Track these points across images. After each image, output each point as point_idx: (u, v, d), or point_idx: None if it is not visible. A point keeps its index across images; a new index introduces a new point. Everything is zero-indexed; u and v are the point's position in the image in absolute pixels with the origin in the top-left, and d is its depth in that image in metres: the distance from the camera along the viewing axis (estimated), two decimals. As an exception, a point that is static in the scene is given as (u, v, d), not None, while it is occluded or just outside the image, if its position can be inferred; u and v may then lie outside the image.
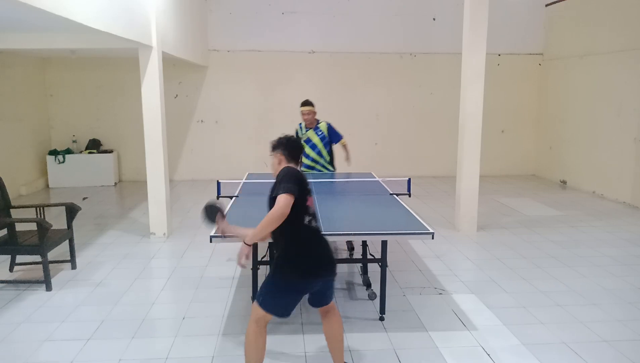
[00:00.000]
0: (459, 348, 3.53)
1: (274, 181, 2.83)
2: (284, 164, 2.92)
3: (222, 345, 3.54)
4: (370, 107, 10.17)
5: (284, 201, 2.62)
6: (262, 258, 4.39)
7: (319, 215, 2.76)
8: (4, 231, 4.63)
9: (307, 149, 5.88)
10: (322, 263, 2.79)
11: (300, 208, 2.75)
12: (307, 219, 2.77)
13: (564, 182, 9.49)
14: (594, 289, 4.55)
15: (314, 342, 3.55)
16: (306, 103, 5.90)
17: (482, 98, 6.18)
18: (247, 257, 2.79)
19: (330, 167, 6.00)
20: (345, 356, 3.40)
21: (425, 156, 10.38)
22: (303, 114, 5.88)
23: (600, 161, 8.52)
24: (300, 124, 6.00)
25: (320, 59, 9.93)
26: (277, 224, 2.65)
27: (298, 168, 2.94)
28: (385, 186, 5.34)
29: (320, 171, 5.94)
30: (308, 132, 5.89)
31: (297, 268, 2.74)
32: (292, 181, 2.70)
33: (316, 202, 4.43)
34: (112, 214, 7.41)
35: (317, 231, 2.87)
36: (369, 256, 4.78)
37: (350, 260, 5.25)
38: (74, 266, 5.05)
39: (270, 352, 3.34)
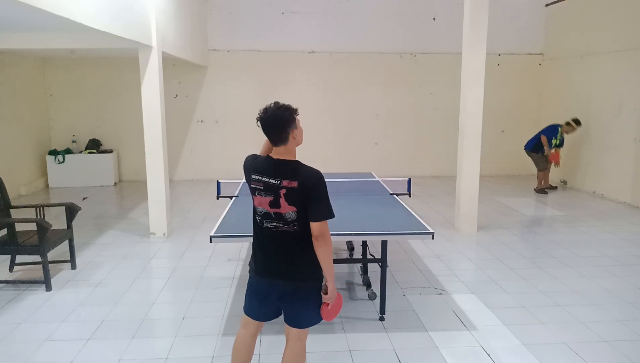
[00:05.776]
0: (459, 348, 3.53)
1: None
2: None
3: (222, 345, 3.54)
4: (370, 107, 10.17)
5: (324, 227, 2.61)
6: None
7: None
8: (4, 231, 4.63)
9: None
10: (257, 261, 2.66)
11: (253, 208, 2.65)
12: (257, 219, 2.61)
13: (564, 182, 9.48)
14: (594, 289, 4.55)
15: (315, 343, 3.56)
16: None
17: (482, 98, 6.18)
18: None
19: None
20: (345, 356, 3.40)
21: (425, 156, 10.37)
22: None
23: (600, 161, 8.51)
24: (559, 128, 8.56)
25: (320, 59, 9.92)
26: (327, 247, 2.58)
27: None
28: (385, 186, 5.34)
29: None
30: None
31: (250, 261, 2.74)
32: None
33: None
34: (112, 214, 7.41)
35: (262, 232, 2.59)
36: (369, 256, 4.78)
37: (350, 260, 5.24)
38: (73, 266, 5.05)
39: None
